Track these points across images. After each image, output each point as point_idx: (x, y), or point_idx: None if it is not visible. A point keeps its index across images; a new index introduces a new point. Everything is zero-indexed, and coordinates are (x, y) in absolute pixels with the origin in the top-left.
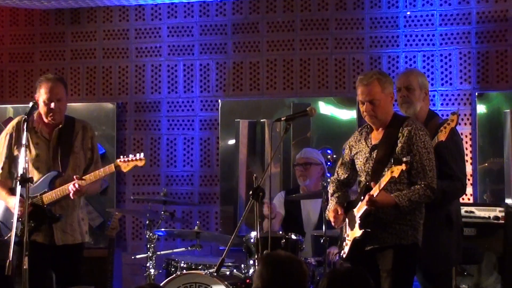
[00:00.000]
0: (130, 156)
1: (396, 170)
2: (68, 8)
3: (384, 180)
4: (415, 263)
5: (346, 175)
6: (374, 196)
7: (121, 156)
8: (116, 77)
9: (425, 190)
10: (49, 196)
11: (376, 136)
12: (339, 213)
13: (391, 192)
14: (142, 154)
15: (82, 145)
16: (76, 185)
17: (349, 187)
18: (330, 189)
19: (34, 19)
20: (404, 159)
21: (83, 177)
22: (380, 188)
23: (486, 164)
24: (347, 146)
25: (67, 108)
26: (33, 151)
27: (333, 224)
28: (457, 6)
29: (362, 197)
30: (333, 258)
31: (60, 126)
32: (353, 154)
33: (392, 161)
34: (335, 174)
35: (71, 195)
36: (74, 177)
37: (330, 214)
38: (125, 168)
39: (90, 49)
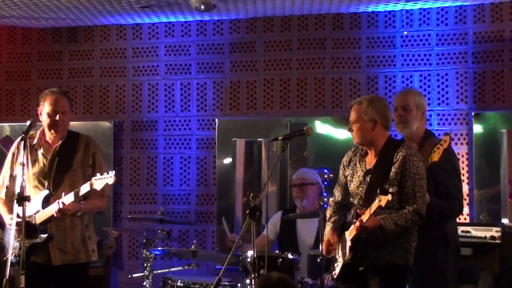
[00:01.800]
0: (104, 174)
1: (383, 200)
2: (65, 26)
3: (372, 208)
4: (405, 284)
5: (343, 196)
6: (364, 221)
7: (97, 174)
8: (114, 96)
9: (412, 215)
10: (41, 216)
11: (370, 161)
12: (331, 247)
13: (382, 216)
14: (113, 172)
15: (82, 162)
16: (60, 205)
17: (346, 208)
18: (328, 213)
19: (32, 38)
20: (390, 190)
21: (62, 201)
22: (370, 215)
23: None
24: (341, 166)
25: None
26: (32, 169)
27: (324, 253)
28: (454, 26)
29: (354, 221)
30: (329, 282)
31: (61, 142)
32: (346, 174)
33: (379, 191)
34: (333, 196)
35: (54, 213)
36: (60, 200)
37: (323, 246)
38: (98, 185)
39: (88, 67)
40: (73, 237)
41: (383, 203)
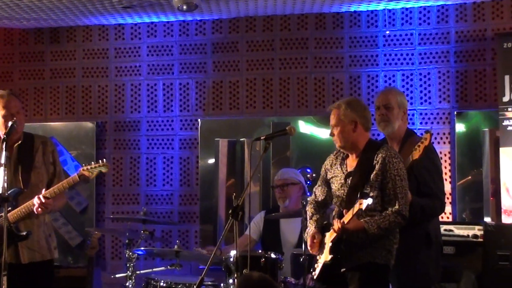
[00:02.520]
0: (93, 163)
1: (363, 203)
2: (47, 27)
3: (353, 211)
4: (386, 285)
5: (323, 196)
6: (345, 223)
7: (83, 165)
8: (96, 96)
9: (395, 217)
10: (14, 214)
11: (351, 163)
12: (315, 240)
13: (364, 218)
14: (105, 160)
15: (44, 160)
16: (42, 200)
17: (326, 207)
18: (308, 211)
19: (13, 38)
20: (371, 194)
21: (46, 193)
22: (350, 218)
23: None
24: (323, 169)
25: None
26: None
27: (309, 250)
28: (436, 26)
29: (334, 222)
30: (310, 283)
31: (20, 142)
32: (328, 177)
33: (359, 195)
34: (313, 194)
35: (35, 210)
36: (40, 195)
37: (308, 240)
38: (90, 175)
39: (70, 68)
40: (39, 235)
41: (363, 207)
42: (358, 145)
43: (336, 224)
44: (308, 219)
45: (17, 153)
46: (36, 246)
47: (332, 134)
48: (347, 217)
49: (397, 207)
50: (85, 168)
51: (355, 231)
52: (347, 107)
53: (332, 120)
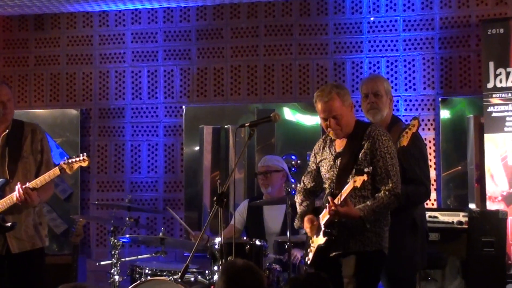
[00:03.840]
0: (74, 157)
1: (358, 181)
2: (31, 14)
3: (346, 190)
4: (379, 270)
5: (312, 184)
6: (338, 203)
7: (65, 158)
8: (80, 83)
9: (389, 197)
10: (0, 205)
11: (339, 144)
12: (315, 223)
13: (355, 199)
14: (85, 154)
15: (32, 149)
16: (21, 192)
17: (315, 195)
18: (298, 199)
19: None
20: (366, 169)
21: (30, 184)
22: (343, 198)
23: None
24: (312, 154)
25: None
26: None
27: (309, 234)
28: (421, 12)
29: (326, 205)
30: (296, 261)
31: (8, 130)
32: (318, 161)
33: (354, 171)
34: (301, 183)
35: (15, 200)
36: (18, 184)
37: (305, 224)
38: (70, 170)
39: (54, 55)
40: (27, 224)
41: (358, 184)
42: (348, 127)
43: (329, 206)
44: (298, 206)
45: (5, 142)
46: (25, 235)
47: (329, 126)
48: (338, 198)
49: (390, 185)
50: (66, 162)
51: (349, 217)
52: (340, 92)
53: (332, 110)
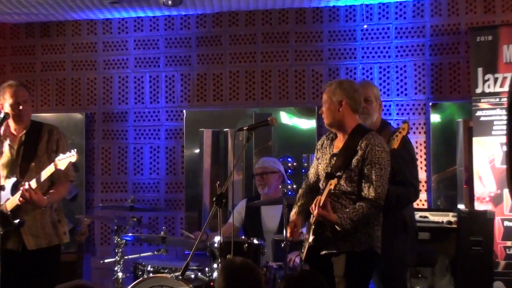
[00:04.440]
0: (67, 153)
1: (333, 183)
2: (38, 22)
3: (324, 194)
4: (370, 269)
5: (315, 178)
6: (320, 205)
7: (60, 155)
8: (85, 88)
9: (369, 208)
10: (10, 203)
11: (337, 145)
12: (296, 227)
13: (346, 200)
14: (75, 150)
15: (47, 148)
16: (23, 191)
17: (317, 191)
18: (298, 194)
19: (5, 33)
20: (338, 174)
21: (30, 183)
22: (322, 201)
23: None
24: (316, 149)
25: (36, 118)
26: (0, 160)
27: (288, 236)
28: (412, 20)
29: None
30: (293, 263)
31: (25, 131)
32: (317, 157)
33: (325, 175)
34: (307, 176)
35: (18, 200)
36: (27, 184)
37: (289, 226)
38: (62, 165)
39: (60, 61)
40: (43, 221)
41: (332, 186)
42: (345, 125)
43: (311, 208)
44: (296, 202)
45: (22, 142)
46: (41, 233)
47: (321, 112)
48: (321, 199)
49: (373, 195)
50: (59, 159)
51: (328, 222)
52: (337, 86)
53: (323, 97)
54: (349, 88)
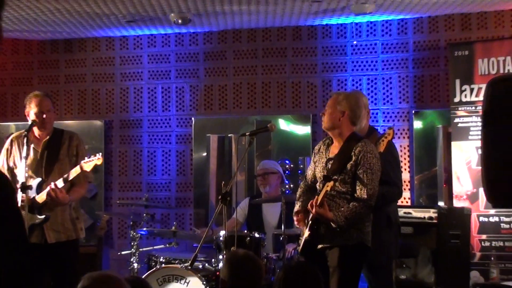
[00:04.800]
0: (91, 157)
1: (329, 185)
2: (62, 39)
3: (322, 193)
4: (361, 261)
5: (312, 179)
6: (317, 204)
7: (85, 158)
8: (104, 98)
9: (362, 207)
10: (37, 200)
11: (333, 150)
12: (299, 217)
13: (340, 199)
14: (100, 154)
15: (68, 153)
16: (50, 190)
17: (314, 191)
18: (298, 192)
19: (32, 48)
20: (334, 177)
21: (57, 182)
22: (319, 200)
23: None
24: (313, 153)
25: (60, 125)
26: (27, 161)
27: (296, 224)
28: (397, 37)
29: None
30: (290, 254)
31: (48, 137)
32: (315, 160)
33: (322, 178)
34: (305, 177)
35: (45, 197)
36: (52, 184)
37: (294, 217)
38: (88, 167)
39: (81, 74)
40: (63, 218)
41: (328, 188)
42: (341, 133)
43: (310, 206)
44: (296, 199)
45: (45, 146)
46: (61, 227)
47: (323, 114)
48: (319, 198)
49: (365, 196)
50: (85, 161)
51: (324, 219)
52: (344, 98)
53: (329, 103)
54: (354, 103)
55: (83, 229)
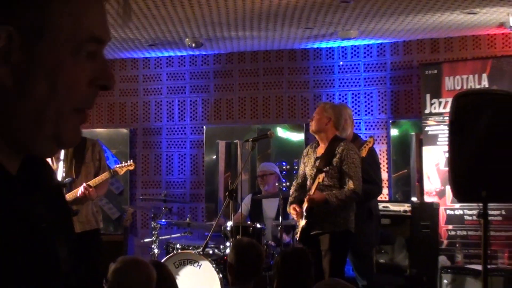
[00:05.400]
0: (124, 163)
1: (321, 177)
2: None
3: (315, 184)
4: (348, 245)
5: (303, 178)
6: (312, 194)
7: (118, 163)
8: (129, 110)
9: (351, 193)
10: (69, 196)
11: (320, 151)
12: (298, 210)
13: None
14: (132, 161)
15: (92, 157)
16: (86, 186)
17: (305, 188)
18: (291, 190)
19: None
20: (324, 169)
21: (89, 183)
22: (313, 189)
23: (398, 173)
24: (302, 157)
25: (92, 132)
26: (55, 165)
27: (295, 218)
28: (376, 58)
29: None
30: (284, 240)
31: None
32: (304, 162)
33: (315, 171)
34: (296, 178)
35: (78, 194)
36: (84, 184)
37: (291, 211)
38: (120, 172)
39: (110, 90)
40: (87, 211)
41: (320, 180)
42: (326, 136)
43: (307, 197)
44: (290, 196)
45: (72, 151)
46: (85, 219)
47: (311, 120)
48: (312, 189)
49: (352, 186)
50: (118, 166)
51: (320, 201)
52: (331, 107)
53: (317, 110)
54: (338, 112)
55: (101, 220)
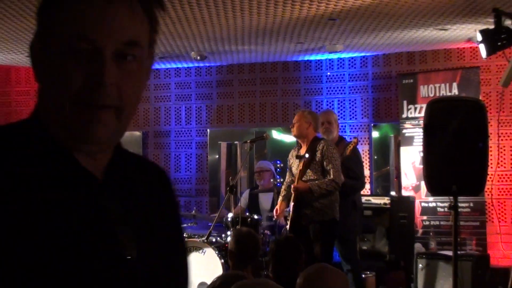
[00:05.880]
0: None
1: (301, 164)
2: None
3: (298, 171)
4: (335, 232)
5: (291, 178)
6: (296, 184)
7: None
8: (142, 115)
9: (331, 182)
10: None
11: (303, 150)
12: (279, 211)
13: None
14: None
15: None
16: None
17: None
18: (281, 190)
19: None
20: (305, 155)
21: None
22: (297, 178)
23: (377, 172)
24: (288, 159)
25: None
26: None
27: (275, 216)
28: (360, 69)
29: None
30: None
31: None
32: (290, 163)
33: (295, 157)
34: (286, 178)
35: None
36: None
37: (275, 210)
38: None
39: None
40: None
41: (300, 166)
42: (307, 137)
43: (292, 188)
44: (280, 194)
45: None
46: None
47: (292, 126)
48: (296, 177)
49: (332, 176)
50: None
51: (304, 190)
52: (309, 113)
53: (296, 118)
54: (315, 117)
55: None
